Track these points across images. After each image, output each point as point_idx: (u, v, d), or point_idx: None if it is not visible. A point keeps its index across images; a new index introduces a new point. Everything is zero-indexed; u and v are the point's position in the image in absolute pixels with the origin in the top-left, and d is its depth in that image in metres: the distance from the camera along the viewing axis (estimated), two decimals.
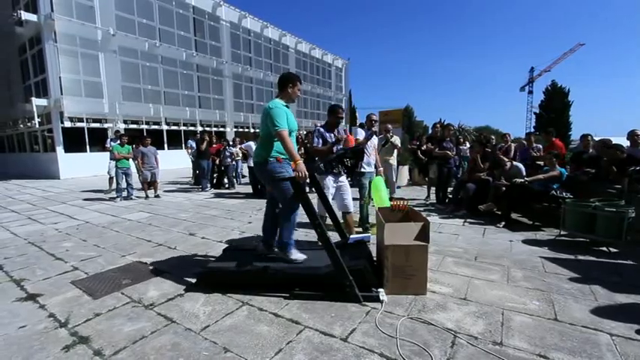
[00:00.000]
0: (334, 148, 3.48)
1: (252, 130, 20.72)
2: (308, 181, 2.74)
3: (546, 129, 6.92)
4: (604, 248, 3.60)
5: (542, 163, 5.54)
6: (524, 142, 7.02)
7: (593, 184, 4.89)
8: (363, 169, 4.34)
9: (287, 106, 2.77)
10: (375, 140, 4.57)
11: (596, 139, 5.97)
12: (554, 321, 2.19)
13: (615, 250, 3.55)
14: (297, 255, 2.77)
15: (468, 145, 7.55)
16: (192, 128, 17.73)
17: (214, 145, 9.60)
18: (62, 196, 8.21)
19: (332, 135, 3.67)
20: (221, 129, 19.50)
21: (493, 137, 7.63)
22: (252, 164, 5.53)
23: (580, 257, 3.41)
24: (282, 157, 2.69)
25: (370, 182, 4.32)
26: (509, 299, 2.50)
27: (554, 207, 4.43)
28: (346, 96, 32.12)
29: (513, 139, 7.52)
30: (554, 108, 36.57)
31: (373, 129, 4.54)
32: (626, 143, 5.32)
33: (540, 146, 6.63)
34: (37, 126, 13.42)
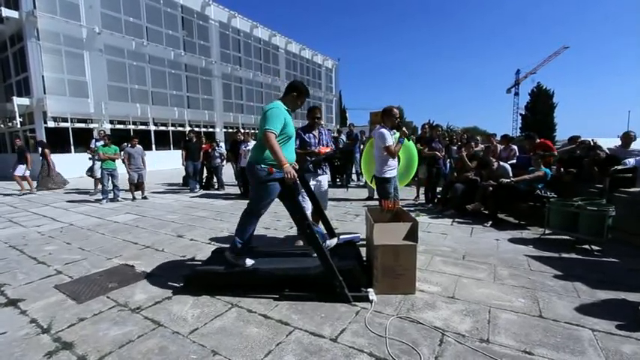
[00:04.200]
0: (307, 158, 3.43)
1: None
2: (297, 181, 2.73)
3: (528, 134, 7.01)
4: (586, 246, 3.70)
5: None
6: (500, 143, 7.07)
7: (576, 184, 5.04)
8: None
9: (288, 111, 2.71)
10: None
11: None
12: (538, 318, 2.24)
13: (597, 248, 3.65)
14: (245, 260, 2.66)
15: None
16: (180, 129, 17.49)
17: (203, 146, 9.47)
18: (45, 198, 7.98)
19: (310, 135, 3.60)
20: (210, 129, 19.29)
21: (478, 138, 7.71)
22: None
23: (564, 255, 3.49)
24: (275, 169, 2.56)
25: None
26: (496, 297, 2.54)
27: (539, 206, 4.53)
28: (336, 97, 32.23)
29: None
30: (540, 110, 37.54)
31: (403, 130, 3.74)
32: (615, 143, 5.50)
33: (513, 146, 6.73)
34: (19, 126, 13.03)
